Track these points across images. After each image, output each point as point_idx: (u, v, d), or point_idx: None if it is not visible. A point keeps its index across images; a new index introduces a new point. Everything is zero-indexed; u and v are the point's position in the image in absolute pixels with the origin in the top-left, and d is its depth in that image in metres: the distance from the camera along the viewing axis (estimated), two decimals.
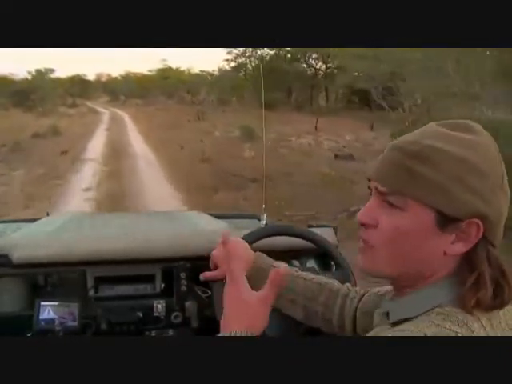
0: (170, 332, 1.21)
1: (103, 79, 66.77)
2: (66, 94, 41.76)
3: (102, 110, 33.32)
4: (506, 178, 0.59)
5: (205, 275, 1.01)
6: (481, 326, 0.55)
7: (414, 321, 0.58)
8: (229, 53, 29.78)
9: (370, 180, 0.64)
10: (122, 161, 10.31)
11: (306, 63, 28.18)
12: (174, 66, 42.78)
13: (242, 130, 13.38)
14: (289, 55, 28.05)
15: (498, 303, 0.57)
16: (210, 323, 1.15)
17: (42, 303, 1.12)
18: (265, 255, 0.98)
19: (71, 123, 19.50)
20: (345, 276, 1.09)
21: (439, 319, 0.56)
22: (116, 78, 57.29)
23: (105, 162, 10.15)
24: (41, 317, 1.10)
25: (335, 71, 26.81)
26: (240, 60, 31.16)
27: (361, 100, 23.15)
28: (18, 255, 1.15)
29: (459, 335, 0.53)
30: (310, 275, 0.95)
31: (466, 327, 0.54)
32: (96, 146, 13.20)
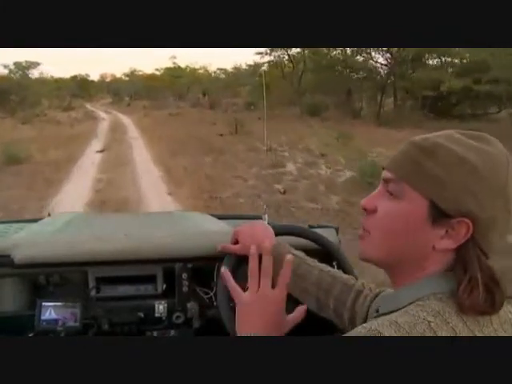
0: (172, 332, 1.21)
1: (107, 79, 64.10)
2: (67, 94, 38.37)
3: (102, 114, 28.11)
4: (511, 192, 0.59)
5: (224, 247, 1.01)
6: (460, 320, 0.56)
7: (393, 313, 0.59)
8: None
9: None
10: None
11: (370, 56, 21.12)
12: (184, 64, 39.19)
13: (353, 173, 7.71)
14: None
15: (488, 308, 0.57)
16: (212, 324, 1.15)
17: (44, 303, 1.12)
18: (285, 244, 1.00)
19: (53, 137, 13.39)
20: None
21: (415, 310, 0.57)
22: (120, 78, 54.19)
23: None
24: (42, 317, 1.11)
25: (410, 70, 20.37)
26: (277, 53, 24.86)
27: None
28: (19, 255, 1.15)
29: (432, 324, 0.54)
30: (326, 267, 0.96)
31: (441, 317, 0.55)
32: (69, 206, 6.15)
